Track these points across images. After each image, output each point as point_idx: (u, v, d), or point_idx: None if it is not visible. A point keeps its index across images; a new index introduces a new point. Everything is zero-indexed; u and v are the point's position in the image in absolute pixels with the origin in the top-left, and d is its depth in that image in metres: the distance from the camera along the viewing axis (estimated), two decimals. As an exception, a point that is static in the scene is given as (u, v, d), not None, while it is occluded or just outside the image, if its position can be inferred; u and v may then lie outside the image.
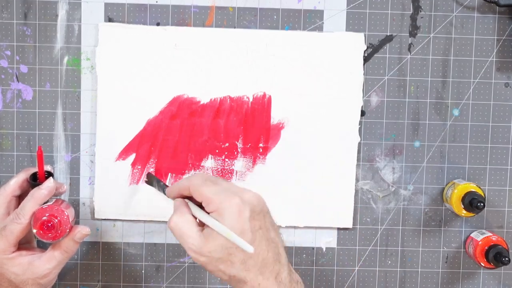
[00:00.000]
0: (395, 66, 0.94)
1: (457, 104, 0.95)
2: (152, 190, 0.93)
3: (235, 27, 0.93)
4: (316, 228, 0.95)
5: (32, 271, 0.83)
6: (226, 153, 0.93)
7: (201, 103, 0.93)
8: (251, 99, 0.93)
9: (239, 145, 0.93)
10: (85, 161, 0.94)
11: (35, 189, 0.84)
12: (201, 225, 0.74)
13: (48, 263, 0.84)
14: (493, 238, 0.92)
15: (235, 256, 0.72)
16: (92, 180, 0.94)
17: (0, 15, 0.92)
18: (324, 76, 0.93)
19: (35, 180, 0.86)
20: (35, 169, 0.86)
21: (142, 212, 0.94)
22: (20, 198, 0.86)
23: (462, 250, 0.96)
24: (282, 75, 0.93)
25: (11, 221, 0.82)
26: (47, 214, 0.82)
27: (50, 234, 0.82)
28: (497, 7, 0.93)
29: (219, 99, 0.93)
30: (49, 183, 0.84)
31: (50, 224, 0.81)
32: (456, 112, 0.95)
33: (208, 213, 0.73)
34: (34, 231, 0.81)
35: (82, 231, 0.85)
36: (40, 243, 0.88)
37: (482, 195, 0.90)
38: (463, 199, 0.90)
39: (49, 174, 0.86)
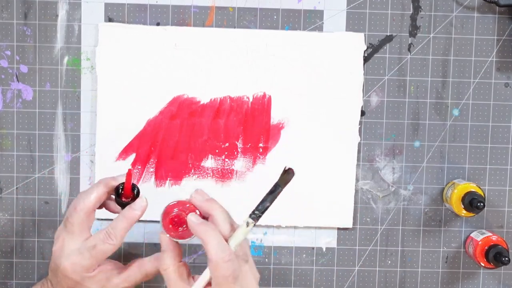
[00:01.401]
0: (395, 66, 0.94)
1: (457, 104, 0.95)
2: (151, 190, 0.93)
3: (235, 27, 0.93)
4: (316, 228, 0.95)
5: (109, 287, 0.80)
6: (226, 153, 0.93)
7: (201, 103, 0.93)
8: (251, 99, 0.93)
9: (239, 145, 0.93)
10: (85, 161, 0.94)
11: (127, 208, 0.79)
12: None
13: (125, 282, 0.81)
14: (493, 238, 0.92)
15: None
16: (92, 180, 0.94)
17: (0, 15, 0.92)
18: (324, 76, 0.93)
19: (119, 195, 0.80)
20: (114, 181, 0.81)
21: (142, 212, 0.94)
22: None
23: (462, 250, 0.96)
24: (282, 75, 0.93)
25: (102, 241, 0.78)
26: (176, 209, 0.76)
27: (180, 229, 0.75)
28: (497, 7, 0.93)
29: (219, 99, 0.93)
30: (142, 202, 0.79)
31: (178, 220, 0.75)
32: (456, 112, 0.95)
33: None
34: (161, 223, 0.76)
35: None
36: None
37: (482, 195, 0.90)
38: (463, 199, 0.90)
39: (136, 189, 0.80)
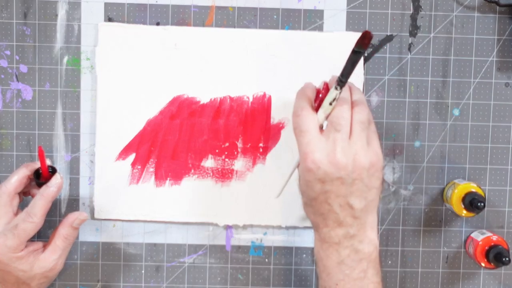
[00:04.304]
0: (395, 66, 0.94)
1: (457, 104, 0.95)
2: (151, 190, 0.93)
3: (235, 27, 0.93)
4: (316, 228, 0.95)
5: (39, 265, 0.85)
6: (226, 153, 0.93)
7: (201, 103, 0.93)
8: (251, 99, 0.93)
9: (239, 145, 0.93)
10: (85, 161, 0.94)
11: (44, 187, 0.85)
12: None
13: (53, 254, 0.86)
14: (494, 238, 0.91)
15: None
16: (92, 180, 0.94)
17: (0, 15, 0.92)
18: (324, 76, 0.93)
19: (39, 177, 0.86)
20: (36, 164, 0.87)
21: (142, 212, 0.94)
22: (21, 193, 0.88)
23: (462, 250, 0.96)
24: (282, 75, 0.93)
25: (23, 220, 0.83)
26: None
27: None
28: (497, 7, 0.93)
29: (219, 99, 0.93)
30: (56, 179, 0.85)
31: None
32: (456, 112, 0.95)
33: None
34: None
35: (80, 217, 0.87)
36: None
37: (483, 195, 0.90)
38: (463, 199, 0.90)
39: (53, 170, 0.87)
